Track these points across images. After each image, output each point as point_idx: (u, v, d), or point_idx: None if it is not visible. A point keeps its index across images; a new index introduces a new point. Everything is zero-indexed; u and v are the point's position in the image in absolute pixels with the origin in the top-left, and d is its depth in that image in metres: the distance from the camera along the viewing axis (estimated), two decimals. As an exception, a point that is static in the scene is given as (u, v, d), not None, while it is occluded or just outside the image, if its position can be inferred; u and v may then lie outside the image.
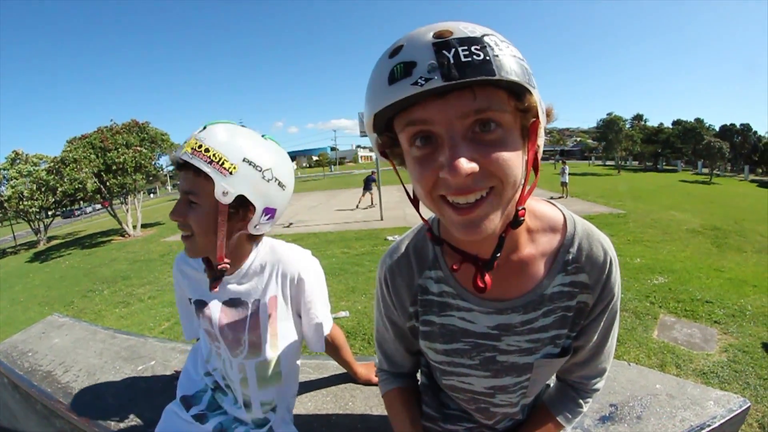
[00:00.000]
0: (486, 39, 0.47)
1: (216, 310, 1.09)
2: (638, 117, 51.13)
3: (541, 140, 0.58)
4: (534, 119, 0.53)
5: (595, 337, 0.76)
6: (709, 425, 1.16)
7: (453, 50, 0.45)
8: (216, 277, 1.03)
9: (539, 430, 0.87)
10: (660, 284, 5.85)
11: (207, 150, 0.88)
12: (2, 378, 2.06)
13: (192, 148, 0.89)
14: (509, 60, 0.47)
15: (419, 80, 0.45)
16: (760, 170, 43.40)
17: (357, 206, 16.07)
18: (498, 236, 0.60)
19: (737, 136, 44.58)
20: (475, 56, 0.45)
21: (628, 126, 42.17)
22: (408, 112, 0.50)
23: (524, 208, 0.58)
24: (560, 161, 25.86)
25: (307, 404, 1.47)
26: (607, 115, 40.45)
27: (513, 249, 0.67)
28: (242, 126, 1.01)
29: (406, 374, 0.97)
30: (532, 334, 0.72)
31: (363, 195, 16.27)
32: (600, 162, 53.70)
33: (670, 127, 47.85)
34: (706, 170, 35.82)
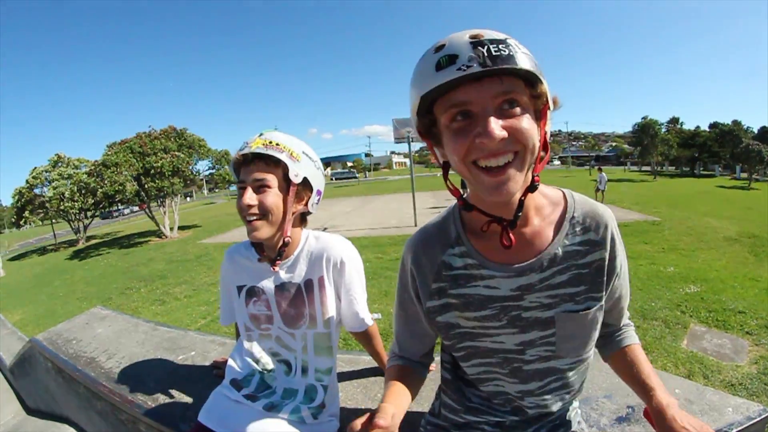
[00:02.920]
0: (508, 41, 0.64)
1: (271, 293, 1.26)
2: (674, 120, 49.41)
3: (549, 124, 0.74)
4: (544, 104, 0.70)
5: (622, 291, 0.92)
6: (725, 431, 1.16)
7: (486, 47, 0.62)
8: (278, 254, 1.21)
9: (639, 363, 0.92)
10: (692, 293, 5.70)
11: (278, 144, 1.13)
12: (46, 363, 2.19)
13: (264, 144, 1.12)
14: (525, 57, 0.64)
15: (462, 66, 0.61)
16: (804, 176, 41.29)
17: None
18: (518, 200, 0.73)
19: (779, 139, 42.59)
20: (502, 52, 0.62)
21: (663, 130, 40.69)
22: (450, 95, 0.66)
23: (539, 176, 0.73)
24: (596, 167, 25.24)
25: (338, 394, 1.56)
26: (642, 119, 39.03)
27: (525, 222, 0.81)
28: None
29: (412, 360, 1.03)
30: (550, 290, 0.83)
31: None
32: (636, 167, 52.23)
33: (707, 130, 45.80)
34: (744, 175, 34.31)
